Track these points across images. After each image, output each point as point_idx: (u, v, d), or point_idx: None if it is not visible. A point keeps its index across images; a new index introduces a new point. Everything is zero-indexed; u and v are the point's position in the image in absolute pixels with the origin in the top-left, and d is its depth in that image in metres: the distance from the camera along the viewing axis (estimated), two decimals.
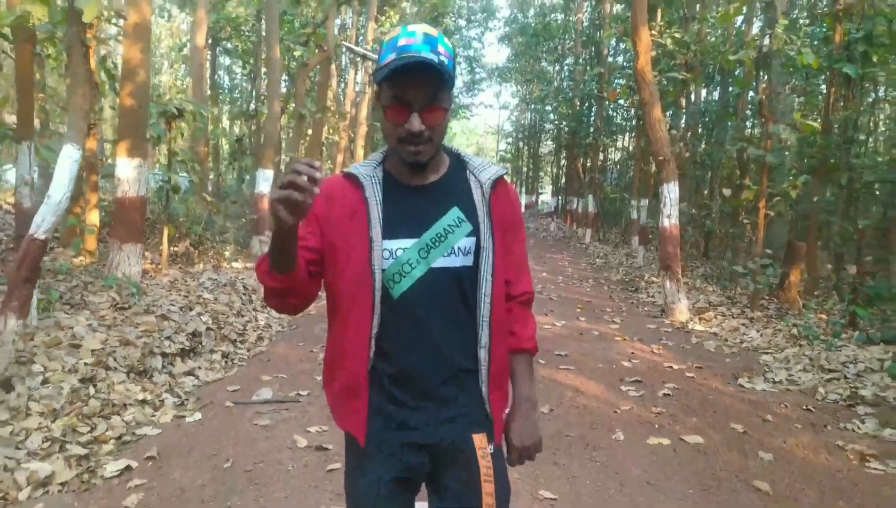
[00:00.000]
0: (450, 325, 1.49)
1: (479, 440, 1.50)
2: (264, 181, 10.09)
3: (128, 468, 3.49)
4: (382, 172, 1.54)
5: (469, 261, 1.50)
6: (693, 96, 16.24)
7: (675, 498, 3.45)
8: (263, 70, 16.94)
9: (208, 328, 6.05)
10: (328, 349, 1.59)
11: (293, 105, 11.81)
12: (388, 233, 1.46)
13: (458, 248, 1.49)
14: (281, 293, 1.46)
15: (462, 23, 34.92)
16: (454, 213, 1.49)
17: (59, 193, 3.84)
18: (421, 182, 1.52)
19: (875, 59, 9.92)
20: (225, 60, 24.02)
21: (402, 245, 1.46)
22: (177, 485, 3.35)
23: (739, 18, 14.14)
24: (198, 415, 4.30)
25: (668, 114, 13.62)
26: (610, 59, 21.28)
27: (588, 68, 21.13)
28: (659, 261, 10.07)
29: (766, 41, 9.16)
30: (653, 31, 12.59)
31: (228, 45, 16.21)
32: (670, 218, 8.58)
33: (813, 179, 10.42)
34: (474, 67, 38.55)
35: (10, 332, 3.79)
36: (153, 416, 4.23)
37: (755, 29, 14.10)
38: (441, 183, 1.53)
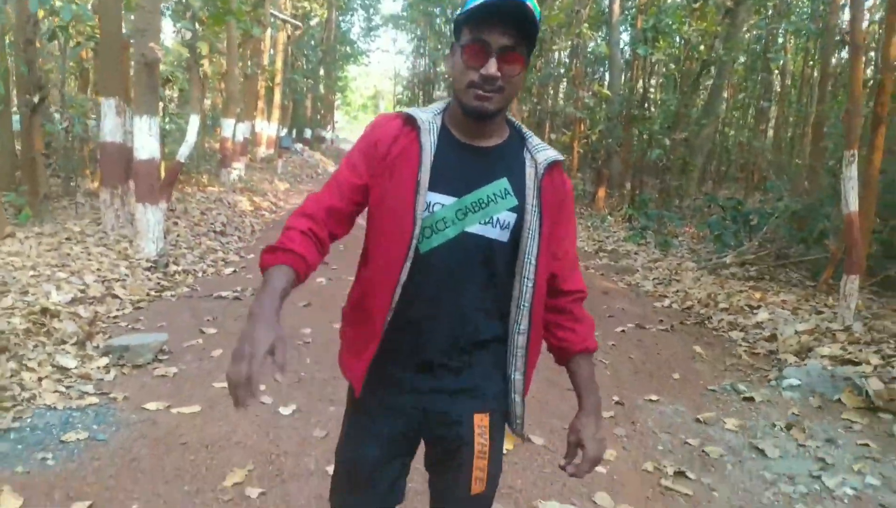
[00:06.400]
0: (476, 294, 1.42)
1: (480, 419, 1.45)
2: (228, 128, 13.50)
3: (234, 271, 7.26)
4: (440, 122, 1.44)
5: (504, 237, 1.41)
6: (556, 57, 20.55)
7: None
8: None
9: (228, 222, 9.72)
10: (357, 287, 1.52)
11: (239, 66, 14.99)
12: (431, 184, 1.37)
13: (497, 219, 1.39)
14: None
15: None
16: (501, 183, 1.40)
17: (192, 137, 7.42)
18: (476, 143, 1.43)
19: (660, 42, 14.44)
20: None
21: (441, 200, 1.37)
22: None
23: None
24: (252, 255, 8.10)
25: (527, 76, 17.79)
26: None
27: None
28: None
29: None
30: None
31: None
32: None
33: (624, 125, 15.00)
34: (371, 14, 41.27)
35: (160, 209, 7.38)
36: (227, 256, 7.97)
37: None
38: (496, 150, 1.44)
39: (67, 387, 3.75)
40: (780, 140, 17.59)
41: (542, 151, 1.46)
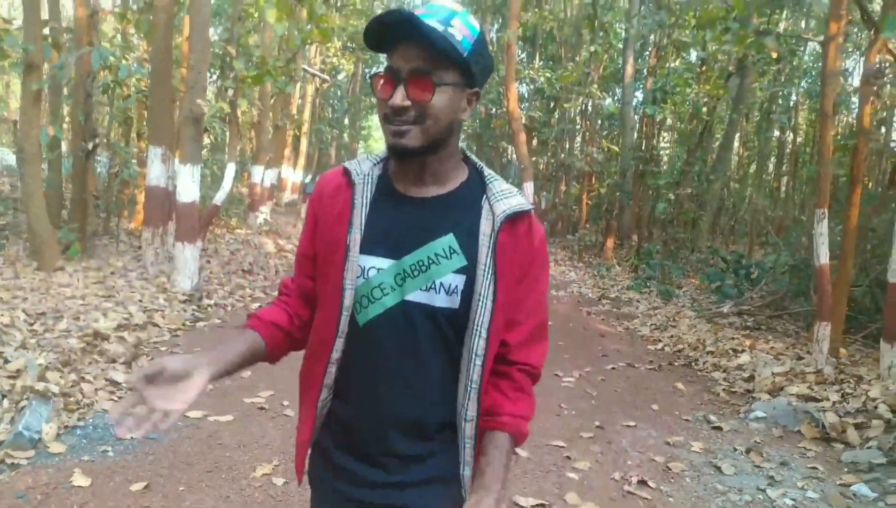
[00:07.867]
0: (425, 374, 1.21)
1: None
2: (257, 174, 14.39)
3: (260, 306, 7.88)
4: (380, 172, 1.27)
5: (455, 303, 1.18)
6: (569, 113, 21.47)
7: None
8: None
9: (255, 262, 10.43)
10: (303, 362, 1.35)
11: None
12: (365, 247, 1.20)
13: (441, 284, 1.18)
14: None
15: None
16: (446, 240, 1.18)
17: (228, 184, 8.21)
18: (421, 194, 1.23)
19: (667, 103, 15.18)
20: None
21: (376, 264, 1.19)
22: None
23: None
24: (276, 293, 8.76)
25: (544, 130, 18.62)
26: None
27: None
28: None
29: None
30: (531, 71, 17.55)
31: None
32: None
33: (634, 180, 15.66)
34: None
35: (197, 248, 8.09)
36: (254, 293, 8.63)
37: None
38: (444, 200, 1.23)
39: (120, 397, 4.36)
40: (789, 197, 18.16)
41: (503, 200, 1.22)
